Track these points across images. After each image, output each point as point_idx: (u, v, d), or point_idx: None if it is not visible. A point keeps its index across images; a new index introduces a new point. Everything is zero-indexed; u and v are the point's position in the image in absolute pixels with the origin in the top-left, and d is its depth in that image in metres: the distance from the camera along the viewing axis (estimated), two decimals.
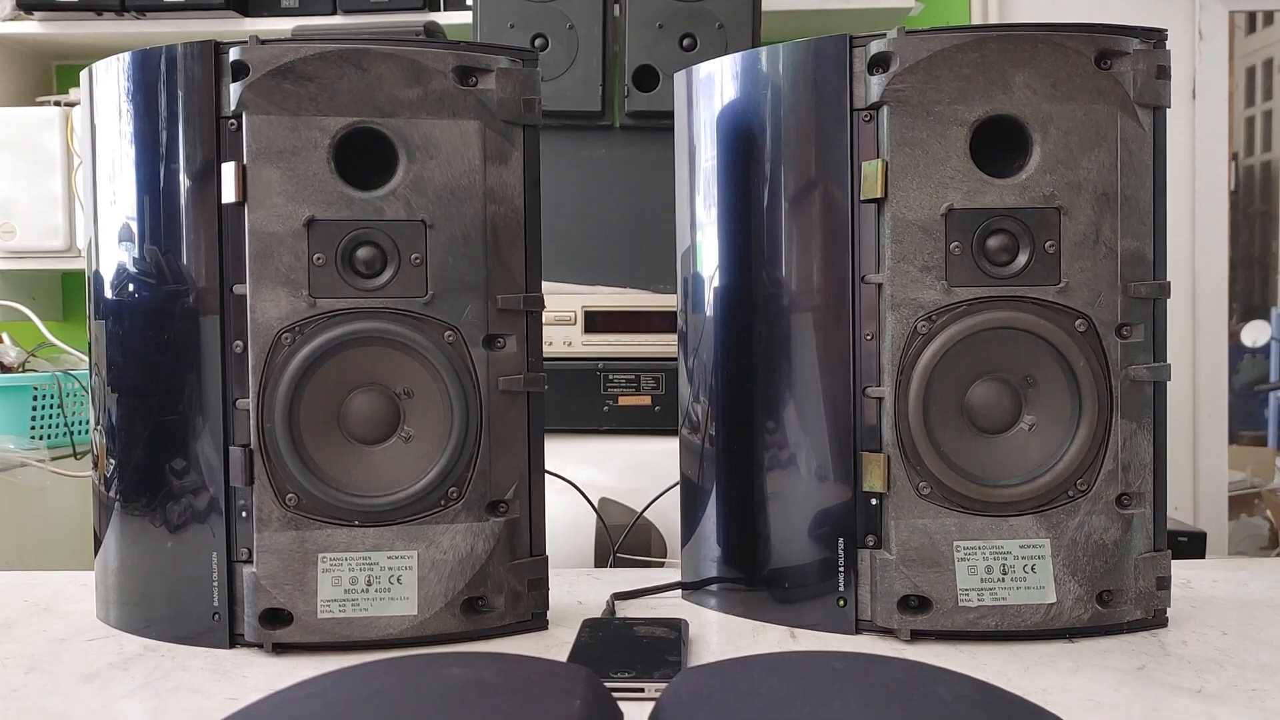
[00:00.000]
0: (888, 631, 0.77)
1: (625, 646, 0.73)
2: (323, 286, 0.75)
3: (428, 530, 0.76)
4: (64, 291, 2.34)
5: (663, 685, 0.64)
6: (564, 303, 1.62)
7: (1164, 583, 0.77)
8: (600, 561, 1.36)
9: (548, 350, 1.55)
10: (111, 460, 0.80)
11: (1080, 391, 0.76)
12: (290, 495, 0.75)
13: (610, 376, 1.61)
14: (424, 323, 0.76)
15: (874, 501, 0.77)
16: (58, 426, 1.92)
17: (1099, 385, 0.76)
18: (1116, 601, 0.76)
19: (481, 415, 0.77)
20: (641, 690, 0.65)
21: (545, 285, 1.64)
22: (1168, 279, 0.77)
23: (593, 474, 1.51)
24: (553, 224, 1.64)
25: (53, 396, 1.92)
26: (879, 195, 0.75)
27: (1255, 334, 4.47)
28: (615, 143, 1.73)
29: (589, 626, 0.77)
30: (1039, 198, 0.75)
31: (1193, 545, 1.45)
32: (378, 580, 0.76)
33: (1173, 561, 0.79)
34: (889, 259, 0.75)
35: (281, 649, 0.75)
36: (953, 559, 0.75)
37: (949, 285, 0.75)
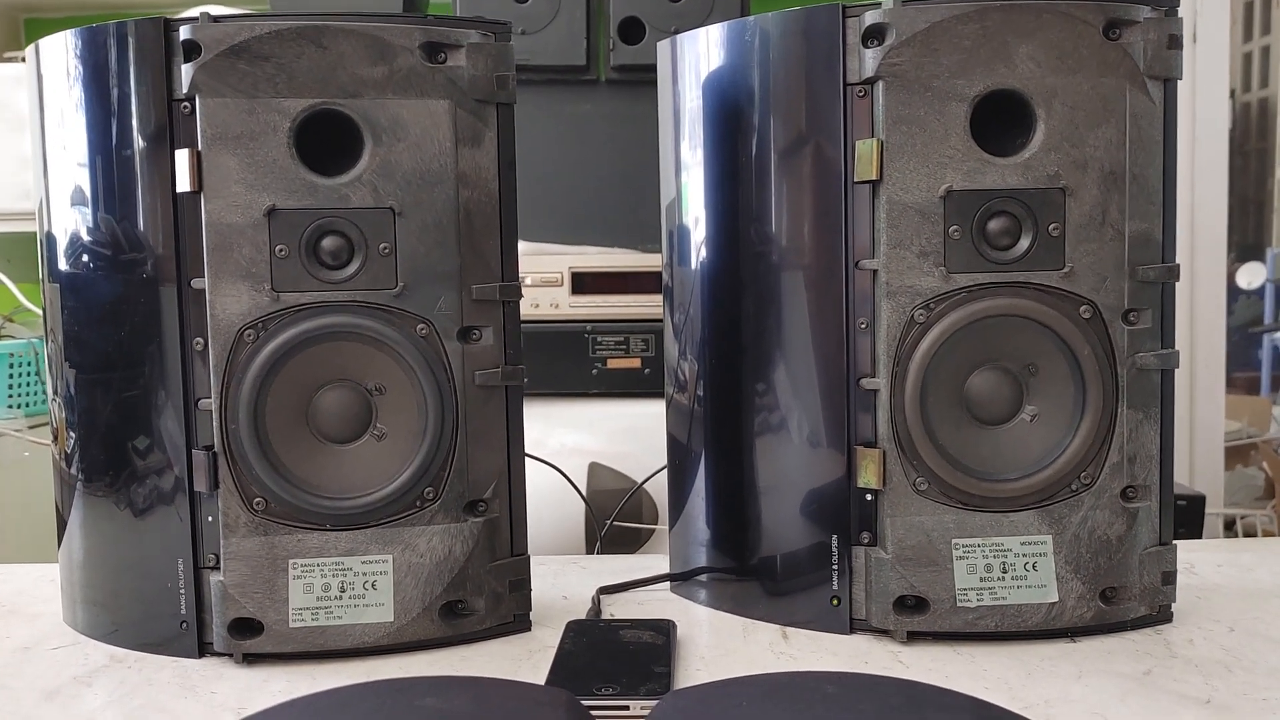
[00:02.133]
0: (883, 632, 0.74)
1: (610, 655, 0.70)
2: (286, 280, 0.71)
3: (403, 533, 0.73)
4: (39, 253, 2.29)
5: (649, 702, 0.62)
6: (550, 264, 1.57)
7: (1169, 578, 0.75)
8: (590, 531, 1.33)
9: (533, 312, 1.52)
10: (71, 434, 0.76)
11: (1085, 381, 0.72)
12: (258, 499, 0.71)
13: (599, 339, 1.57)
14: (395, 316, 0.72)
15: (869, 497, 0.74)
16: (36, 394, 1.88)
17: (1104, 374, 0.72)
18: (1120, 599, 0.73)
19: (458, 411, 0.74)
20: (627, 709, 0.62)
21: (530, 246, 1.61)
22: (1177, 261, 0.74)
23: (582, 438, 1.48)
24: (537, 183, 1.60)
25: (30, 364, 1.88)
26: (874, 177, 0.71)
27: (1250, 276, 4.44)
28: (601, 97, 1.67)
29: (573, 630, 0.74)
30: (1043, 178, 0.71)
31: (1191, 509, 1.42)
32: (351, 586, 0.72)
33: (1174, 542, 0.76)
34: (884, 244, 0.71)
35: (253, 659, 0.72)
36: (951, 557, 0.72)
37: (947, 271, 0.71)
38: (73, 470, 0.77)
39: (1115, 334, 0.72)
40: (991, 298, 0.71)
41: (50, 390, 0.79)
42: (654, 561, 0.92)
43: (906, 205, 0.71)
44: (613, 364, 1.57)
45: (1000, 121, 0.71)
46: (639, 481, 1.45)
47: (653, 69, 1.61)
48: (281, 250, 0.71)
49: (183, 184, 0.70)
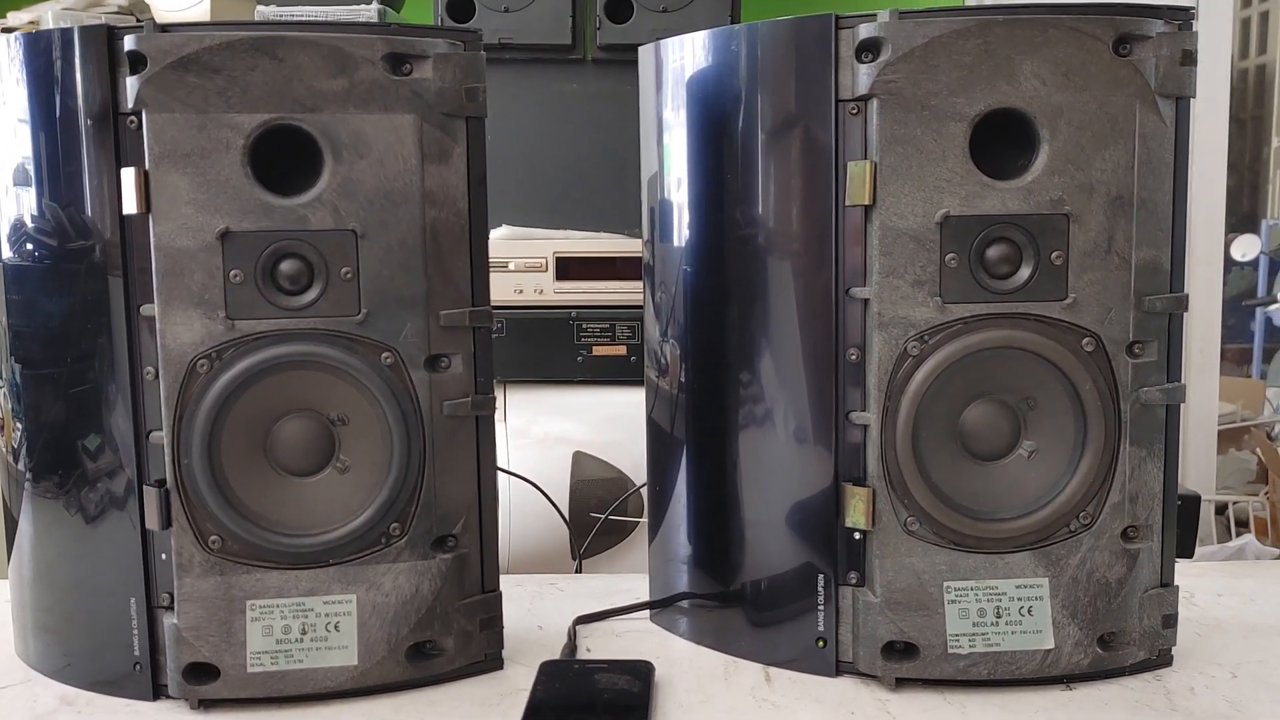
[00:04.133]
0: (870, 676, 0.71)
1: (584, 704, 0.66)
2: (242, 306, 0.67)
3: (367, 571, 0.70)
4: None
5: None
6: (534, 249, 1.53)
7: (1170, 620, 0.71)
8: (572, 529, 1.30)
9: (517, 298, 1.48)
10: (18, 425, 0.73)
11: (1086, 416, 0.68)
12: (214, 537, 0.68)
13: (584, 326, 1.53)
14: (358, 344, 0.68)
15: (857, 536, 0.70)
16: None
17: (1106, 410, 0.68)
18: (1119, 644, 0.70)
19: (425, 443, 0.70)
20: None
21: (514, 230, 1.56)
22: (1185, 291, 0.70)
23: (567, 427, 1.45)
24: (521, 165, 1.55)
25: None
26: (866, 201, 0.67)
27: (1245, 247, 4.41)
28: (587, 77, 1.62)
29: (546, 673, 0.71)
30: (1046, 203, 0.67)
31: (1186, 510, 1.39)
32: (313, 628, 0.69)
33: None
34: (877, 273, 0.67)
35: (209, 704, 0.68)
36: (942, 601, 0.69)
37: (943, 301, 0.67)
38: (19, 465, 0.73)
39: (1119, 367, 0.68)
40: (989, 329, 0.67)
41: None
42: (633, 582, 0.89)
43: (901, 231, 0.67)
44: (598, 351, 1.53)
45: (1001, 142, 0.67)
46: (624, 471, 1.42)
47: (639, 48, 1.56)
48: (236, 275, 0.66)
49: (129, 205, 0.65)
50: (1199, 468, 2.24)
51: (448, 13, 1.53)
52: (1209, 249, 2.31)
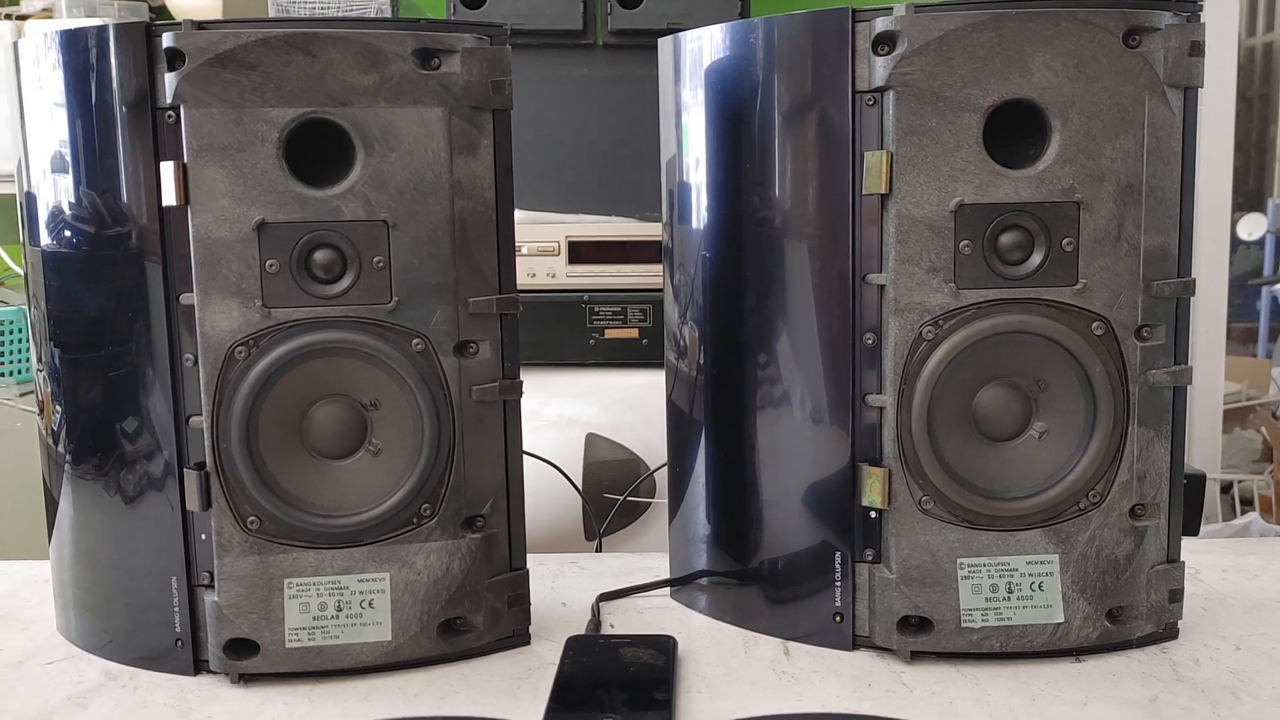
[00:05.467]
0: (887, 649, 0.73)
1: (611, 677, 0.69)
2: (277, 295, 0.69)
3: (400, 550, 0.72)
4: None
5: None
6: (546, 233, 1.55)
7: (1176, 595, 0.74)
8: (588, 511, 1.32)
9: (530, 282, 1.50)
10: (58, 408, 0.75)
11: (1095, 398, 0.71)
12: (252, 518, 0.70)
13: (596, 309, 1.56)
14: (389, 331, 0.70)
15: (873, 514, 0.72)
16: (26, 361, 1.86)
17: (1115, 392, 0.71)
18: (1127, 618, 0.72)
19: (454, 426, 0.72)
20: None
21: (526, 215, 1.58)
22: (1193, 275, 0.72)
23: (579, 409, 1.47)
24: (534, 149, 1.57)
25: (20, 330, 1.86)
26: (883, 190, 0.69)
27: (1251, 226, 4.41)
28: (598, 62, 1.64)
29: (573, 648, 0.73)
30: (1057, 191, 0.69)
31: (1191, 488, 1.42)
32: (348, 605, 0.71)
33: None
34: (893, 260, 0.69)
35: (249, 679, 0.71)
36: (956, 577, 0.71)
37: (957, 287, 0.69)
38: (59, 448, 0.75)
39: (1127, 351, 0.71)
40: (1002, 314, 0.70)
41: (35, 359, 0.78)
42: (653, 560, 0.91)
43: (916, 219, 0.69)
44: (610, 334, 1.55)
45: (1014, 132, 0.69)
46: (636, 453, 1.44)
47: (651, 33, 1.57)
48: (272, 265, 0.68)
49: (168, 198, 0.67)
50: (1204, 447, 2.26)
51: (461, 0, 1.55)
52: (1215, 229, 2.32)
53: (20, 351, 1.83)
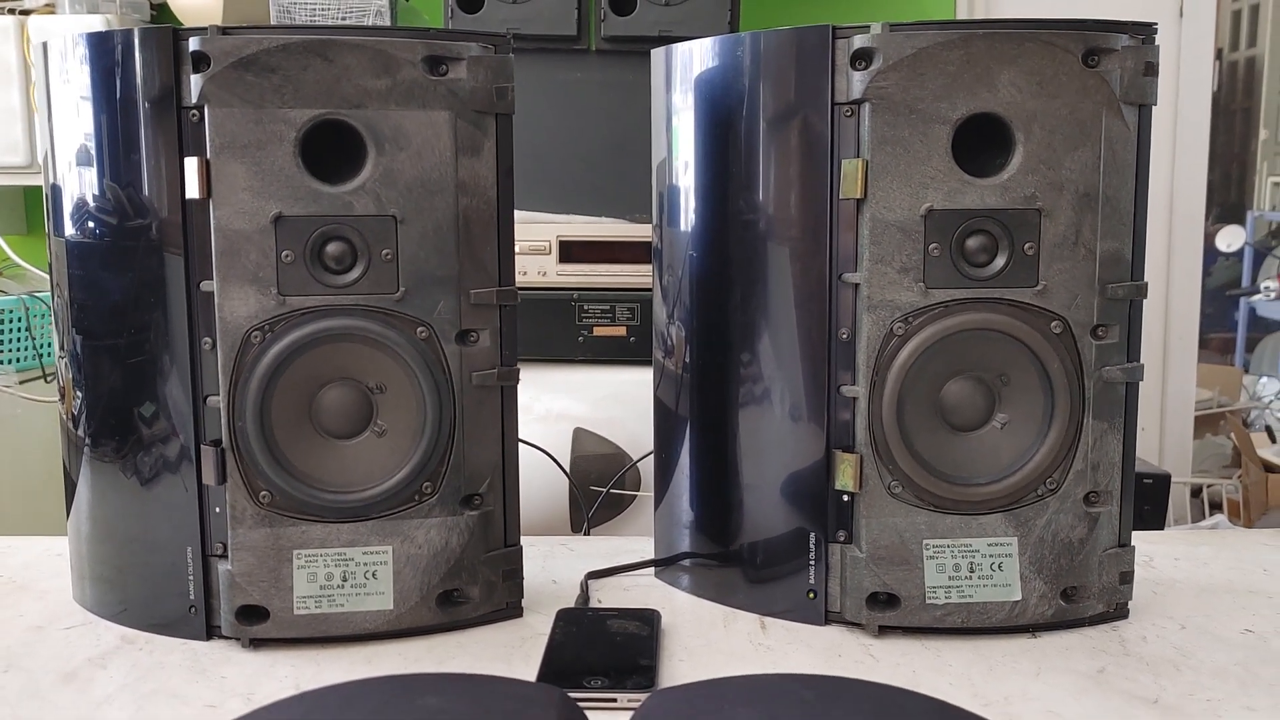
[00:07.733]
0: (856, 625, 0.78)
1: (598, 646, 0.74)
2: (292, 284, 0.74)
3: (402, 525, 0.77)
4: (26, 207, 2.29)
5: (635, 695, 0.66)
6: (538, 232, 1.60)
7: (1126, 577, 0.79)
8: (575, 500, 1.37)
9: (521, 279, 1.54)
10: (78, 393, 0.79)
11: (1054, 392, 0.76)
12: (264, 493, 0.75)
13: (585, 307, 1.60)
14: (396, 319, 0.75)
15: (845, 498, 0.77)
16: (25, 349, 1.90)
17: (1072, 387, 0.76)
18: (1080, 597, 0.78)
19: (455, 410, 0.77)
20: (614, 701, 0.67)
21: (519, 215, 1.62)
22: (1145, 280, 0.77)
23: (567, 404, 1.51)
24: (527, 151, 1.62)
25: (19, 319, 1.90)
26: (859, 195, 0.74)
27: (1230, 238, 4.48)
28: (591, 67, 1.68)
29: (563, 619, 0.78)
30: (1020, 199, 0.74)
31: (1156, 488, 1.47)
32: (353, 576, 0.76)
33: (1134, 532, 0.80)
34: (867, 260, 0.74)
35: (259, 644, 0.76)
36: (922, 557, 0.76)
37: (926, 287, 0.74)
38: (79, 432, 0.80)
39: (1084, 348, 0.76)
40: (967, 312, 0.75)
41: (57, 346, 0.82)
42: (639, 544, 0.96)
43: (889, 223, 0.74)
44: (599, 331, 1.60)
45: (981, 144, 0.74)
46: (622, 448, 1.49)
47: (644, 40, 1.62)
48: (287, 255, 0.73)
49: (191, 191, 0.72)
50: (1176, 451, 2.32)
51: (458, 4, 1.60)
52: (1190, 240, 2.38)
53: (19, 340, 1.87)
